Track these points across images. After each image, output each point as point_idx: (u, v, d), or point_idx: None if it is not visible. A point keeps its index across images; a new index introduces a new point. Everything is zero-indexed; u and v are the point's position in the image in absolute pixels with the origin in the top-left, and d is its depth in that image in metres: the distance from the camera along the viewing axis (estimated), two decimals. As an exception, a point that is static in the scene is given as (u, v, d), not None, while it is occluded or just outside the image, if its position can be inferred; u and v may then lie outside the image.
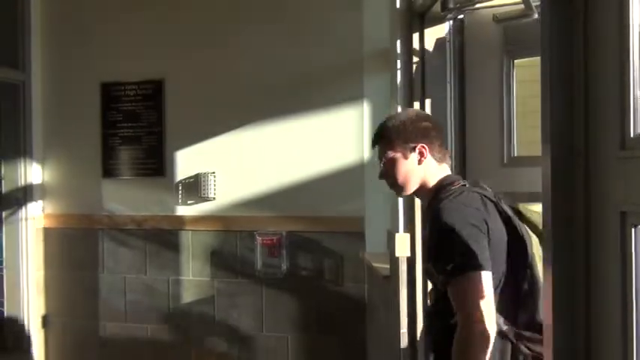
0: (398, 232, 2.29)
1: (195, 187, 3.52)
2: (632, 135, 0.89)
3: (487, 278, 1.52)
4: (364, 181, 3.18)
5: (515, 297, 1.62)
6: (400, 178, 1.76)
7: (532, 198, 2.39)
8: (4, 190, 3.73)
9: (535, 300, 1.60)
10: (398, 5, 2.57)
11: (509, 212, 1.68)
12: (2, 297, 3.72)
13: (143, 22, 3.61)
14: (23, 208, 3.71)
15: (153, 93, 3.61)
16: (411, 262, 2.26)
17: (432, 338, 1.73)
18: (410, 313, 2.26)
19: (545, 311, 1.02)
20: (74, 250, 3.78)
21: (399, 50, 2.57)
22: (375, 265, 2.72)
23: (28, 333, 3.71)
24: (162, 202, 3.59)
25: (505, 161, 2.51)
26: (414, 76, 2.49)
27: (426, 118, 1.88)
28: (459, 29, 2.61)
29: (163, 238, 3.59)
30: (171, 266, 3.57)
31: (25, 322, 3.70)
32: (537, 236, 1.64)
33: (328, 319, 3.28)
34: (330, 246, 3.28)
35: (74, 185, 3.79)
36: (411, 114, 1.92)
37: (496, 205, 1.66)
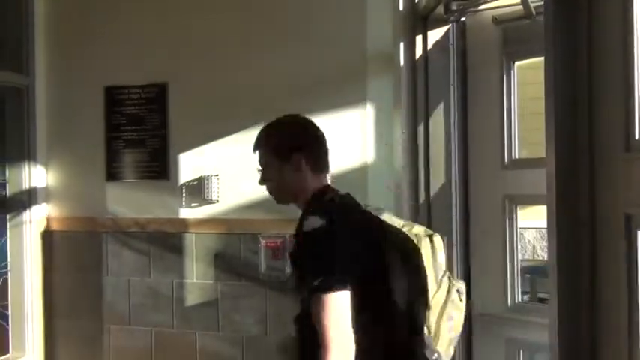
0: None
1: (198, 190, 3.52)
2: (636, 137, 0.89)
3: (346, 297, 1.49)
4: (367, 186, 3.18)
5: (380, 313, 1.57)
6: (276, 186, 1.78)
7: (534, 200, 2.39)
8: (8, 193, 3.74)
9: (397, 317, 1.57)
10: (401, 8, 2.58)
11: (379, 226, 1.67)
12: (7, 300, 3.73)
13: (146, 26, 3.63)
14: (28, 212, 3.72)
15: (156, 96, 3.62)
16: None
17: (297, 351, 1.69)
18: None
19: (550, 313, 1.02)
20: (78, 253, 3.79)
21: (402, 53, 2.57)
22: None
23: (33, 336, 3.72)
24: (165, 205, 3.60)
25: (506, 163, 2.52)
26: (417, 79, 2.50)
27: (305, 127, 1.87)
28: (461, 31, 2.62)
29: (167, 240, 3.59)
30: (175, 269, 3.57)
31: (30, 325, 3.71)
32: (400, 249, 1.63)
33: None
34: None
35: (78, 188, 3.80)
36: (289, 123, 1.90)
37: (365, 217, 1.68)
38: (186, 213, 3.56)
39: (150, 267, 3.62)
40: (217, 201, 3.49)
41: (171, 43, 3.58)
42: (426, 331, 1.63)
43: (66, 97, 3.82)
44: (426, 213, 2.75)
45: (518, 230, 2.56)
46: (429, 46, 2.64)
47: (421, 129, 2.75)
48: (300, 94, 3.33)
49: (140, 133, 3.67)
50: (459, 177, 2.65)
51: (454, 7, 2.47)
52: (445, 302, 1.65)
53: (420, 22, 2.60)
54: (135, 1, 3.68)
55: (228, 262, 3.48)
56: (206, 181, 3.49)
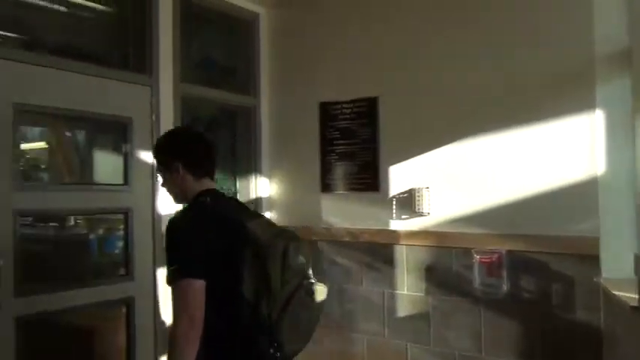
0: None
1: (409, 202, 3.53)
2: None
3: (199, 286, 1.74)
4: (598, 199, 2.87)
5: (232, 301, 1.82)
6: (167, 189, 2.06)
7: None
8: (238, 202, 4.17)
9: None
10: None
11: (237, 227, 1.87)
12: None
13: (359, 43, 3.77)
14: (254, 220, 4.11)
15: (367, 110, 3.73)
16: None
17: None
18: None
19: None
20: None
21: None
22: (618, 293, 2.42)
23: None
24: (376, 216, 3.68)
25: None
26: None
27: (186, 135, 2.16)
28: None
29: (378, 251, 3.67)
30: (386, 280, 3.63)
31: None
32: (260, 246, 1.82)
33: (556, 348, 3.01)
34: (558, 268, 3.01)
35: (296, 199, 4.09)
36: (170, 134, 2.13)
37: (224, 219, 1.88)
38: (397, 225, 3.60)
39: (362, 276, 3.74)
40: (428, 213, 3.46)
41: (382, 58, 3.66)
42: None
43: (286, 115, 4.16)
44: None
45: None
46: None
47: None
48: (520, 100, 3.15)
49: (352, 147, 3.81)
50: None
51: None
52: (291, 297, 1.83)
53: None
54: (344, 26, 3.85)
55: (440, 276, 3.42)
56: (416, 194, 3.49)
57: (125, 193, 3.19)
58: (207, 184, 2.03)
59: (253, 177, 4.13)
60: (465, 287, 3.30)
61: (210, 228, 1.85)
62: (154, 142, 2.19)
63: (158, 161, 2.07)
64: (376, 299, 3.68)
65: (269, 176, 4.20)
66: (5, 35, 2.80)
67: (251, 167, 4.13)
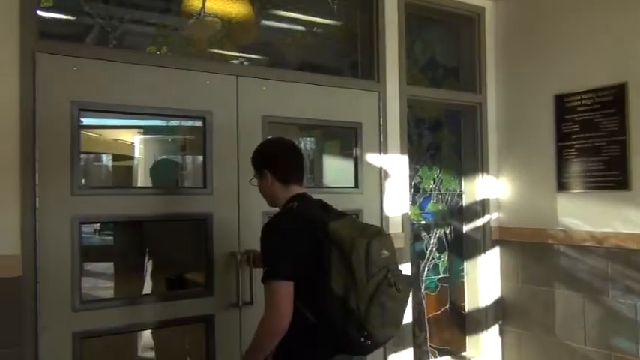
0: None
1: (669, 203, 3.05)
2: None
3: (286, 285, 1.93)
4: None
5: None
6: (262, 195, 2.25)
7: None
8: (464, 203, 4.08)
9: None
10: None
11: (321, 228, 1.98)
12: (464, 301, 4.06)
13: (600, 26, 3.38)
14: (481, 221, 3.97)
15: (613, 99, 3.32)
16: None
17: None
18: None
19: None
20: (527, 264, 3.82)
21: None
22: None
23: (487, 338, 3.94)
24: (626, 218, 3.25)
25: None
26: None
27: (275, 146, 2.28)
28: None
29: (629, 258, 3.24)
30: (638, 290, 3.19)
31: (484, 327, 3.95)
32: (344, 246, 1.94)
33: None
34: None
35: (527, 199, 3.83)
36: (262, 144, 2.33)
37: (310, 221, 2.02)
38: (654, 228, 3.14)
39: (608, 285, 3.34)
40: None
41: (629, 39, 3.23)
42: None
43: (514, 110, 3.93)
44: None
45: None
46: None
47: None
48: None
49: (594, 140, 3.43)
50: None
51: None
52: (377, 289, 1.93)
53: None
54: (582, 9, 3.49)
55: None
56: (679, 193, 2.99)
57: (356, 195, 3.35)
58: (295, 190, 2.18)
59: (480, 177, 3.99)
60: None
61: (296, 231, 2.01)
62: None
63: (253, 169, 2.25)
64: (626, 312, 3.25)
65: (497, 176, 4.02)
66: (253, 57, 3.18)
67: (477, 167, 3.99)
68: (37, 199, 2.38)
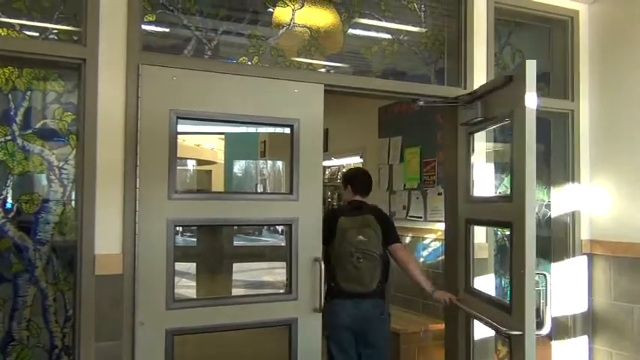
0: None
1: None
2: None
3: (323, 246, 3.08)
4: None
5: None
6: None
7: None
8: (553, 214, 3.91)
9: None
10: None
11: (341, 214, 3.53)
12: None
13: None
14: (570, 233, 3.80)
15: None
16: None
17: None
18: None
19: None
20: (622, 279, 3.61)
21: None
22: None
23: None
24: None
25: None
26: None
27: (353, 172, 3.98)
28: None
29: None
30: None
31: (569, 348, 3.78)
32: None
33: None
34: None
35: (622, 212, 3.62)
36: (347, 170, 4.34)
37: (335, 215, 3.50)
38: None
39: None
40: None
41: None
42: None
43: (609, 119, 3.72)
44: None
45: None
46: None
47: None
48: None
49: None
50: None
51: None
52: (341, 257, 3.31)
53: None
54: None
55: None
56: None
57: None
58: (356, 197, 3.51)
59: (570, 187, 3.82)
60: None
61: (326, 219, 3.11)
62: None
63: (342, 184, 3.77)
64: None
65: (589, 187, 3.83)
66: (335, 66, 3.25)
67: (567, 177, 3.82)
68: (138, 202, 2.53)
